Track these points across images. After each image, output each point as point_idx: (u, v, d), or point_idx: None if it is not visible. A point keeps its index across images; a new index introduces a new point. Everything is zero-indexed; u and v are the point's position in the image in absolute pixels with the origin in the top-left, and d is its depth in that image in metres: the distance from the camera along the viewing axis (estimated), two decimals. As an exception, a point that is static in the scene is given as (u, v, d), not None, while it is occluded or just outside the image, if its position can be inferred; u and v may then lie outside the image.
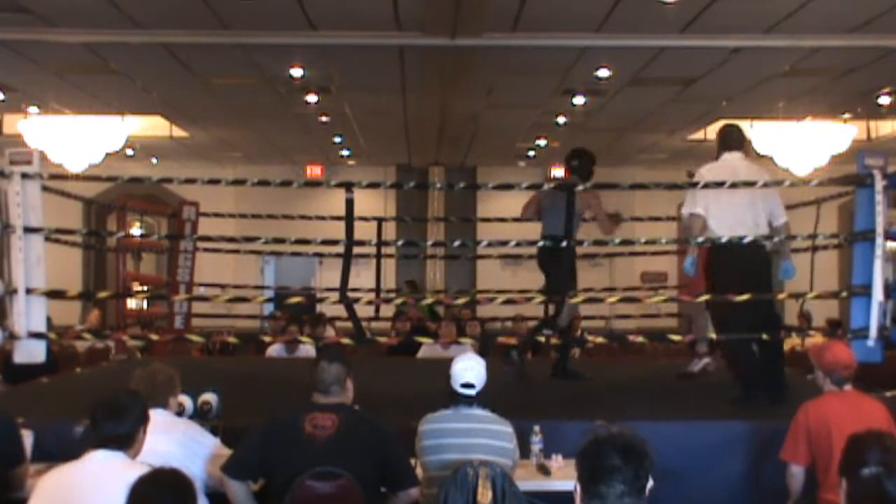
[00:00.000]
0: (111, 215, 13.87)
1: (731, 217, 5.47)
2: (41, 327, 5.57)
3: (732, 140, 5.81)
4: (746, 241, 5.38)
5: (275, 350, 8.52)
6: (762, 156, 11.29)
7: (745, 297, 5.30)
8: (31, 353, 5.53)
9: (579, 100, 10.42)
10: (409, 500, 3.73)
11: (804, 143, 10.56)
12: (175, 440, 3.70)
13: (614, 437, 2.24)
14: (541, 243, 6.38)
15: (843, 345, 4.49)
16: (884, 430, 2.95)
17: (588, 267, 9.79)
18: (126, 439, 3.14)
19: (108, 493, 2.88)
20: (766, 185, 5.59)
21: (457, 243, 8.39)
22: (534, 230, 9.32)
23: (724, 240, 5.42)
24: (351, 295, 6.33)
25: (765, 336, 5.38)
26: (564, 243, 6.04)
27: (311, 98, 10.40)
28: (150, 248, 11.38)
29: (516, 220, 9.97)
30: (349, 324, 6.63)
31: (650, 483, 2.23)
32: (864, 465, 2.69)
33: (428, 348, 8.26)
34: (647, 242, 5.94)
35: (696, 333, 6.62)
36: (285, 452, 3.59)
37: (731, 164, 5.70)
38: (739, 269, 5.41)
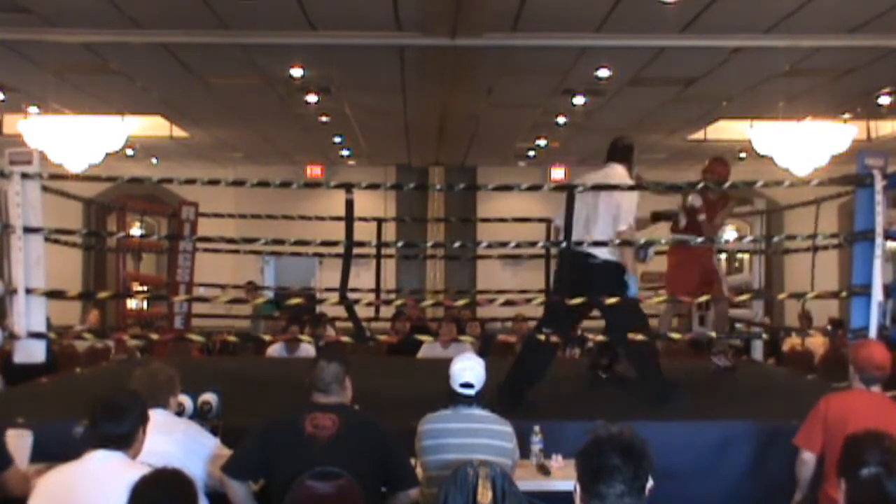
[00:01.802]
0: (111, 215, 13.87)
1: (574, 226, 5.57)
2: (41, 327, 5.58)
3: (617, 151, 5.82)
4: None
5: (275, 350, 8.52)
6: (762, 156, 11.30)
7: (744, 297, 5.30)
8: (30, 352, 5.54)
9: (579, 100, 10.41)
10: (409, 501, 3.73)
11: (804, 143, 10.54)
12: (175, 440, 3.70)
13: (614, 437, 2.24)
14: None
15: (881, 345, 4.49)
16: (883, 431, 2.94)
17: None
18: (126, 439, 3.14)
19: (108, 493, 2.88)
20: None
21: (457, 244, 8.36)
22: (533, 230, 9.35)
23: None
24: (351, 295, 6.33)
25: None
26: (564, 244, 6.03)
27: (311, 98, 10.40)
28: (149, 248, 11.39)
29: (517, 220, 10.02)
30: (349, 324, 6.63)
31: (650, 483, 2.23)
32: (863, 466, 2.68)
33: (428, 348, 8.26)
34: (646, 243, 5.92)
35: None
36: (286, 452, 3.59)
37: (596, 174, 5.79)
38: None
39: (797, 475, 4.13)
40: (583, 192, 5.60)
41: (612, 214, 5.49)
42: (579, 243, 5.57)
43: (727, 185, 6.43)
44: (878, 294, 5.36)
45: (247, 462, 3.67)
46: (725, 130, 12.52)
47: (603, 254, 5.49)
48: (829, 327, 10.47)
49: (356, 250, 6.32)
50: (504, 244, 6.67)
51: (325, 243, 6.58)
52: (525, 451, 4.20)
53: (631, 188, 5.61)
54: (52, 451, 3.96)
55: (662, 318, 6.92)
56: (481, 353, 6.60)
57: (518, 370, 5.58)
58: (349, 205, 5.98)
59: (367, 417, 3.79)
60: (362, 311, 6.91)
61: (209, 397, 4.30)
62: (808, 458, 4.09)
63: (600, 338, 5.92)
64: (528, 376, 5.54)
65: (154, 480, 2.67)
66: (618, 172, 5.71)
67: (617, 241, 5.43)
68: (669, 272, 6.86)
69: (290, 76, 9.46)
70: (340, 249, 6.21)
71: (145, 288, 10.41)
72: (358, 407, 3.92)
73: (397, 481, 3.70)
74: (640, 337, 5.48)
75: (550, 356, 5.69)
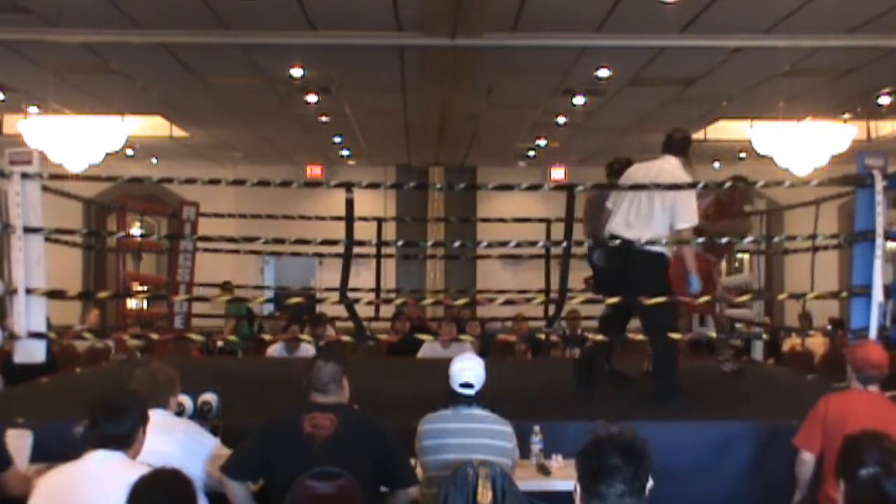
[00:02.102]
0: (111, 215, 13.86)
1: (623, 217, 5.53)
2: (41, 327, 5.58)
3: (672, 144, 5.79)
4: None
5: (275, 350, 8.52)
6: (762, 156, 11.29)
7: (745, 297, 5.31)
8: (30, 352, 5.54)
9: (579, 100, 10.42)
10: (408, 499, 3.73)
11: (804, 143, 10.54)
12: (175, 440, 3.70)
13: (614, 437, 2.24)
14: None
15: (878, 345, 4.49)
16: (881, 431, 2.94)
17: (588, 267, 9.76)
18: (126, 439, 3.14)
19: (108, 493, 2.88)
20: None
21: (457, 244, 8.36)
22: (533, 230, 9.35)
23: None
24: (351, 295, 6.33)
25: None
26: (564, 244, 6.03)
27: (311, 98, 10.40)
28: (150, 248, 11.38)
29: (517, 220, 10.01)
30: (349, 323, 6.63)
31: (650, 483, 2.23)
32: (861, 467, 2.68)
33: (428, 348, 8.26)
34: (647, 243, 5.92)
35: None
36: (285, 453, 3.59)
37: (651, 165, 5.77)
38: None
39: (797, 475, 4.14)
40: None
41: (668, 211, 5.41)
42: (579, 243, 5.56)
43: (728, 185, 6.41)
44: (878, 294, 5.36)
45: (246, 462, 3.67)
46: (725, 130, 12.52)
47: (652, 246, 5.41)
48: (829, 327, 10.48)
49: (356, 250, 6.32)
50: (504, 244, 6.67)
51: (325, 242, 6.58)
52: (525, 451, 4.20)
53: (690, 185, 5.56)
54: (52, 451, 3.96)
55: None
56: (481, 352, 6.60)
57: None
58: (349, 204, 5.98)
59: (365, 417, 3.80)
60: (362, 311, 6.91)
61: (209, 397, 4.30)
62: (808, 458, 4.09)
63: (600, 337, 5.91)
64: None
65: (153, 480, 2.67)
66: (673, 164, 5.63)
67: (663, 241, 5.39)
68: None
69: (290, 76, 9.46)
70: (340, 249, 6.21)
71: (145, 288, 10.40)
72: (358, 407, 3.92)
73: (396, 480, 3.70)
74: (673, 335, 5.47)
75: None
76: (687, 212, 5.43)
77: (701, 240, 6.31)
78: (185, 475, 2.71)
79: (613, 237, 5.54)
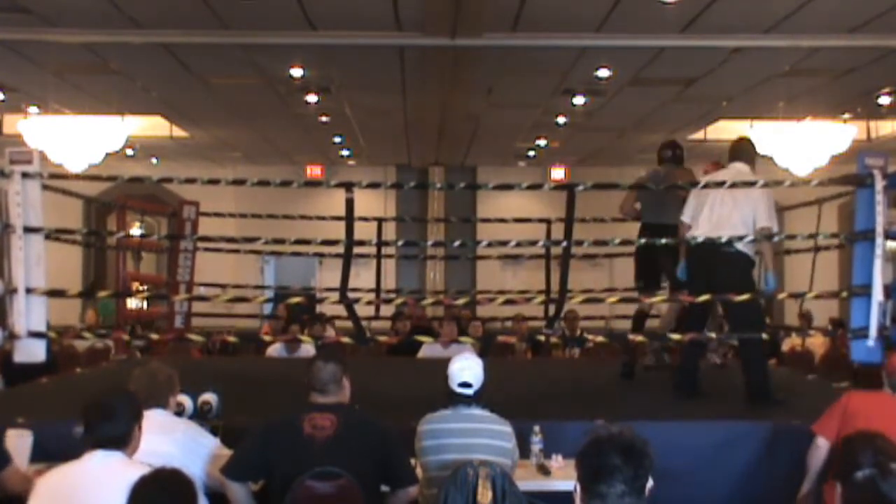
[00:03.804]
0: (111, 215, 13.86)
1: (707, 222, 5.59)
2: (41, 327, 5.57)
3: (739, 152, 5.85)
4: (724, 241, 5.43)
5: (275, 350, 8.52)
6: (762, 156, 11.29)
7: (743, 297, 5.32)
8: (30, 352, 5.53)
9: (579, 100, 10.42)
10: (407, 499, 3.73)
11: (804, 143, 10.55)
12: (175, 440, 3.70)
13: (615, 437, 2.24)
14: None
15: None
16: (876, 432, 2.94)
17: (588, 267, 9.79)
18: (122, 439, 3.13)
19: (108, 492, 2.88)
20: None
21: (457, 243, 8.36)
22: (533, 230, 9.35)
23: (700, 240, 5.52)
24: (351, 295, 6.33)
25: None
26: (564, 243, 6.03)
27: (311, 98, 10.40)
28: (150, 247, 11.38)
29: (517, 220, 10.01)
30: (349, 323, 6.63)
31: (650, 483, 2.23)
32: (857, 468, 2.67)
33: (428, 348, 8.25)
34: (647, 242, 5.93)
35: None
36: (285, 453, 3.59)
37: (725, 173, 5.80)
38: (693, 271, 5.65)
39: (808, 462, 4.14)
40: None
41: (750, 211, 5.48)
42: (580, 243, 5.58)
43: (728, 184, 6.41)
44: (878, 294, 5.36)
45: (246, 464, 3.67)
46: (725, 130, 12.50)
47: (738, 245, 5.48)
48: (830, 327, 10.47)
49: (356, 250, 6.32)
50: (504, 243, 6.67)
51: (325, 242, 6.58)
52: (525, 451, 4.20)
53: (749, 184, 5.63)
54: (52, 451, 3.97)
55: (664, 318, 6.92)
56: (481, 353, 6.60)
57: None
58: (349, 204, 5.98)
59: (365, 416, 3.79)
60: (362, 311, 6.90)
61: (209, 397, 4.30)
62: (822, 443, 4.11)
63: (640, 338, 5.94)
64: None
65: (153, 480, 2.67)
66: (745, 172, 5.72)
67: (748, 239, 5.45)
68: None
69: (290, 76, 9.46)
70: (341, 249, 6.21)
71: (145, 288, 10.39)
72: (358, 407, 3.92)
73: (396, 480, 3.70)
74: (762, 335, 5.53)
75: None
76: (769, 210, 5.52)
77: (701, 238, 6.30)
78: (185, 475, 2.71)
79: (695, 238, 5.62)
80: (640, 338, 6.09)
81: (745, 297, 5.35)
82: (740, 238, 5.41)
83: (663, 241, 5.88)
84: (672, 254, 6.02)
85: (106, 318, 11.55)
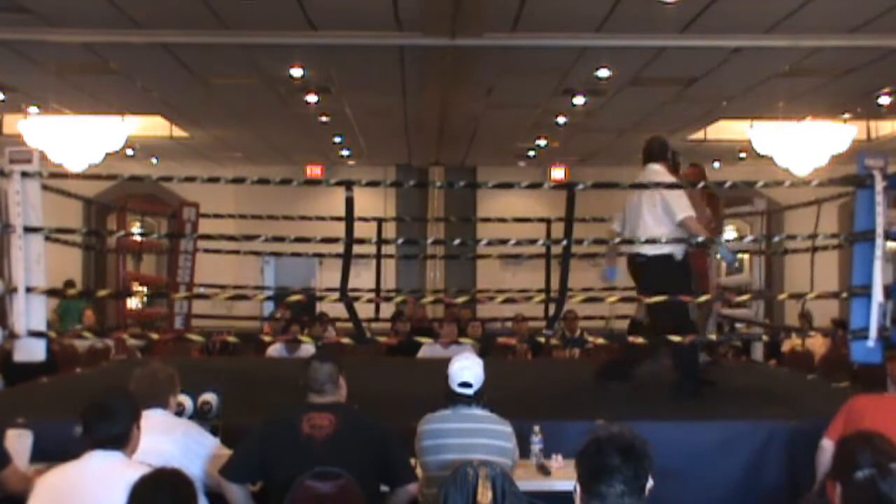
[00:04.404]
0: (111, 215, 13.87)
1: (628, 229, 5.79)
2: (41, 326, 5.57)
3: (651, 152, 5.98)
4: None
5: (275, 350, 8.52)
6: (762, 156, 11.29)
7: (744, 297, 5.33)
8: (30, 352, 5.53)
9: (579, 100, 10.41)
10: (407, 497, 3.73)
11: (804, 143, 10.55)
12: (175, 440, 3.70)
13: (615, 437, 2.24)
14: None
15: None
16: (875, 432, 2.94)
17: (588, 267, 9.78)
18: (121, 439, 3.14)
19: (108, 492, 2.88)
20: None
21: (457, 242, 8.33)
22: (533, 230, 9.35)
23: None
24: (351, 295, 6.32)
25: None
26: (564, 243, 6.03)
27: (311, 98, 10.39)
28: (150, 248, 11.38)
29: (517, 220, 10.01)
30: (349, 324, 6.63)
31: (650, 483, 2.23)
32: (856, 469, 2.67)
33: (428, 348, 8.25)
34: (646, 242, 5.92)
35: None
36: (284, 453, 3.59)
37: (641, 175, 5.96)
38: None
39: (816, 463, 4.15)
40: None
41: (662, 209, 5.59)
42: (579, 242, 5.67)
43: (728, 184, 6.43)
44: (878, 295, 5.35)
45: (244, 465, 3.67)
46: (725, 130, 12.52)
47: (651, 250, 5.60)
48: (832, 328, 10.46)
49: (356, 250, 6.31)
50: (504, 242, 6.66)
51: (325, 241, 6.58)
52: (525, 451, 4.20)
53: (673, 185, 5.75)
54: (52, 451, 3.96)
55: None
56: (482, 353, 6.59)
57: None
58: (349, 203, 5.97)
59: (363, 415, 3.81)
60: (362, 310, 6.90)
61: (209, 397, 4.30)
62: (827, 445, 4.11)
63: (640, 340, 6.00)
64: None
65: (154, 480, 2.67)
66: (657, 171, 5.82)
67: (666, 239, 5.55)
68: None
69: (290, 76, 9.45)
70: (341, 248, 6.21)
71: (145, 288, 10.39)
72: (357, 407, 3.92)
73: (396, 478, 3.70)
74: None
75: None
76: (681, 203, 5.60)
77: (701, 238, 6.32)
78: (185, 475, 2.71)
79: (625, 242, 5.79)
80: (639, 339, 6.08)
81: (660, 298, 5.47)
82: (656, 241, 5.56)
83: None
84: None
85: (68, 320, 11.45)
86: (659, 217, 5.60)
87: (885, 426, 3.38)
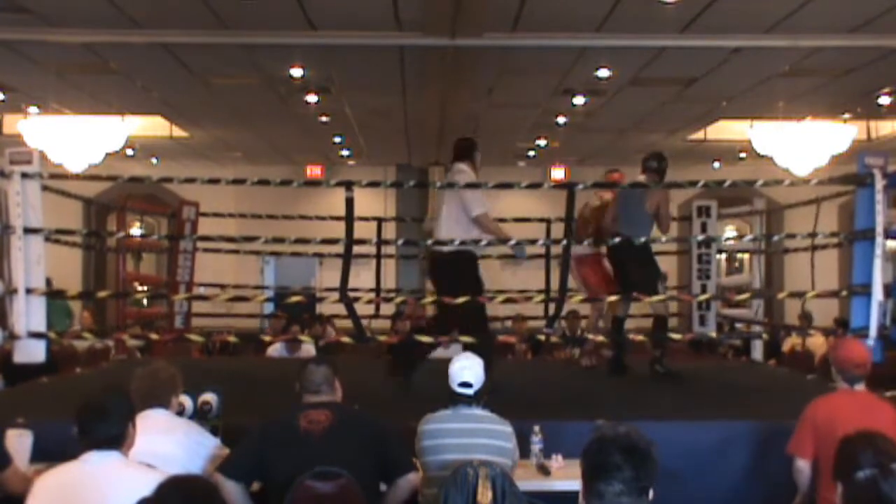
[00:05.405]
0: (111, 215, 13.87)
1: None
2: (41, 327, 5.58)
3: (459, 151, 6.27)
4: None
5: (275, 350, 8.52)
6: (762, 156, 11.29)
7: (744, 297, 5.33)
8: (30, 352, 5.54)
9: (579, 100, 10.41)
10: (408, 486, 3.72)
11: (804, 143, 10.55)
12: (176, 441, 3.70)
13: (619, 436, 2.24)
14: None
15: (858, 343, 4.46)
16: (876, 431, 2.93)
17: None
18: (117, 438, 3.12)
19: (108, 492, 2.88)
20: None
21: (457, 242, 8.32)
22: (533, 230, 9.35)
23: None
24: (351, 294, 6.33)
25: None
26: (564, 242, 6.04)
27: (311, 98, 10.39)
28: (150, 248, 11.38)
29: (517, 219, 10.01)
30: (349, 323, 6.63)
31: (650, 494, 2.22)
32: (858, 468, 2.67)
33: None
34: (646, 242, 5.94)
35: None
36: (282, 450, 3.60)
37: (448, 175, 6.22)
38: None
39: (796, 482, 4.12)
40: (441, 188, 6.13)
41: (457, 206, 5.87)
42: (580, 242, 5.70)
43: (728, 183, 6.44)
44: (878, 293, 5.36)
45: (241, 463, 3.67)
46: (725, 130, 12.52)
47: (449, 246, 5.85)
48: (834, 327, 10.45)
49: (356, 250, 6.32)
50: (504, 243, 6.67)
51: (325, 241, 6.58)
52: (525, 451, 4.20)
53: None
54: (52, 451, 3.96)
55: (588, 319, 7.09)
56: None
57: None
58: (349, 203, 5.98)
59: (359, 411, 3.86)
60: (362, 310, 6.90)
61: (209, 397, 4.30)
62: (802, 465, 4.05)
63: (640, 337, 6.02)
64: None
65: (176, 486, 2.57)
66: (465, 170, 6.07)
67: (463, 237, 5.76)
68: (587, 272, 7.10)
69: (290, 76, 9.46)
70: (341, 248, 6.21)
71: (145, 288, 10.39)
72: (357, 406, 3.93)
73: (395, 467, 3.70)
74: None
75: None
76: (475, 198, 5.88)
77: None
78: (209, 483, 2.67)
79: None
80: (640, 336, 6.13)
81: (464, 298, 5.76)
82: (452, 241, 5.78)
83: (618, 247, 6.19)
84: (639, 262, 6.29)
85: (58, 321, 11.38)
86: (456, 214, 5.86)
87: (862, 421, 3.37)
